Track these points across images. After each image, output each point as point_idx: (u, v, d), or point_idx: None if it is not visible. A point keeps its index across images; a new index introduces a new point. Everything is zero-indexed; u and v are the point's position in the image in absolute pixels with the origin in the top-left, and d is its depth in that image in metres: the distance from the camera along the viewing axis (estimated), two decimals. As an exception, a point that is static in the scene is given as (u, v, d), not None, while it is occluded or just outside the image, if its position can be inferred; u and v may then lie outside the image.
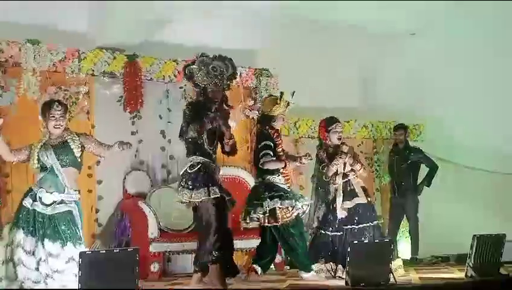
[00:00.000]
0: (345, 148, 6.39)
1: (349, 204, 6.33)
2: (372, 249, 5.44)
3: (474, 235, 5.75)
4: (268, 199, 6.02)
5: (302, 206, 6.17)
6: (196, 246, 5.62)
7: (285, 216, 6.03)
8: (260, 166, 6.12)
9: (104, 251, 4.70)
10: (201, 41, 7.72)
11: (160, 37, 7.71)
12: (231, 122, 6.06)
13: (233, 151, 5.72)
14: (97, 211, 7.14)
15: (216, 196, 5.39)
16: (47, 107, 5.21)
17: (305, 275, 6.15)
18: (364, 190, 6.49)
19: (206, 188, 5.37)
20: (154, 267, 6.72)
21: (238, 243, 6.28)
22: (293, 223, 6.10)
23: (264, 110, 6.41)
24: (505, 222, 7.97)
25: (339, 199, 6.34)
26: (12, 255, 4.86)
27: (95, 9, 7.31)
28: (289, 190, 6.27)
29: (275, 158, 6.12)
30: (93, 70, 7.16)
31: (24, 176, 6.52)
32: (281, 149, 6.26)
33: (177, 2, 7.19)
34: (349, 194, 6.38)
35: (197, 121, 5.36)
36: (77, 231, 5.07)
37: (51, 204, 5.01)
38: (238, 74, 7.96)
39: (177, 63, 7.67)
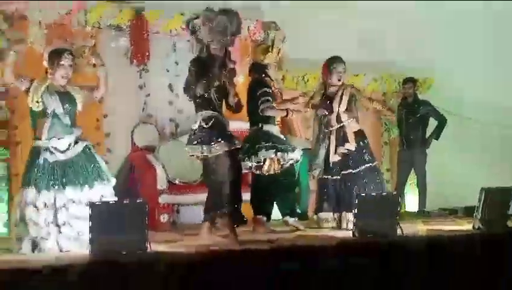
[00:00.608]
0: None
1: (341, 149, 6.34)
2: (380, 202, 5.45)
3: (482, 188, 5.74)
4: (264, 149, 5.98)
5: (293, 158, 6.14)
6: (207, 197, 5.64)
7: (275, 167, 6.02)
8: (260, 113, 6.04)
9: (114, 202, 4.74)
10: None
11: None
12: (238, 77, 6.03)
13: (238, 107, 5.67)
14: (106, 163, 7.15)
15: (237, 146, 5.41)
16: (56, 55, 5.09)
17: (290, 219, 6.22)
18: (359, 134, 6.46)
19: (224, 141, 5.34)
20: (164, 218, 6.80)
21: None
22: (282, 171, 6.10)
23: (255, 59, 6.33)
24: (513, 175, 7.97)
25: (332, 144, 6.37)
26: (23, 215, 4.84)
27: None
28: (284, 140, 6.22)
29: (274, 105, 6.09)
30: (99, 24, 7.11)
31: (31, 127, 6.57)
32: (280, 97, 6.29)
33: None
34: (343, 139, 6.38)
35: (203, 78, 5.31)
36: (102, 165, 5.14)
37: (67, 149, 4.99)
38: (246, 27, 7.96)
39: (184, 16, 7.58)
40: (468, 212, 6.90)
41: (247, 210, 6.03)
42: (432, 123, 8.53)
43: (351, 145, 6.36)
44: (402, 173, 8.56)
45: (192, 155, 5.47)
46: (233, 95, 5.52)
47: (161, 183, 6.82)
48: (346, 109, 6.39)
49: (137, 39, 7.36)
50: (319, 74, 8.50)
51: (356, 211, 5.20)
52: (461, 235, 5.65)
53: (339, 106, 6.37)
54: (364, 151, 6.44)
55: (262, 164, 5.99)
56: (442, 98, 8.95)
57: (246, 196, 6.30)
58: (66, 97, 5.08)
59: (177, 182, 7.01)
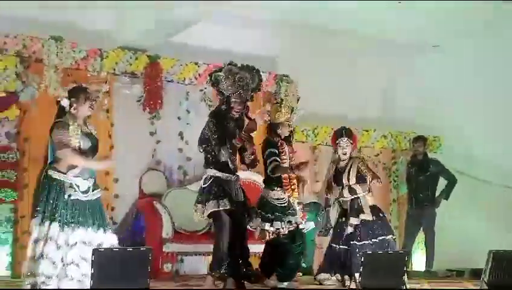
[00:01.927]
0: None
1: (355, 220, 6.31)
2: (386, 260, 5.38)
3: (490, 250, 5.67)
4: (260, 219, 5.92)
5: (294, 223, 6.04)
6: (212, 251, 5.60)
7: (270, 236, 5.97)
8: (269, 173, 6.03)
9: (117, 249, 4.70)
10: (222, 45, 7.76)
11: (182, 39, 7.74)
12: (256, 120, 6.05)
13: (253, 164, 5.71)
14: (112, 209, 7.16)
15: (225, 208, 5.37)
16: (80, 90, 5.11)
17: (273, 282, 6.04)
18: (374, 207, 6.43)
19: (216, 201, 5.36)
20: (167, 267, 6.74)
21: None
22: (285, 236, 6.02)
23: (270, 119, 6.34)
24: (522, 239, 7.87)
25: (348, 215, 6.36)
26: (42, 250, 4.76)
27: (118, 8, 7.36)
28: (285, 205, 6.07)
29: (280, 165, 6.01)
30: (114, 70, 7.22)
31: (41, 170, 6.58)
32: (285, 157, 6.12)
33: (199, 4, 7.21)
34: (356, 210, 6.35)
35: (226, 143, 5.37)
36: (106, 216, 5.13)
37: (87, 191, 4.98)
38: (258, 78, 8.04)
39: (198, 66, 7.70)
40: (475, 274, 6.81)
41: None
42: (442, 183, 8.49)
43: (367, 216, 6.32)
44: (410, 231, 8.48)
45: (195, 214, 5.53)
46: (250, 152, 5.56)
47: (166, 232, 6.79)
48: (359, 182, 6.39)
49: (151, 87, 7.43)
50: (328, 128, 8.62)
51: (362, 269, 5.13)
52: (468, 298, 5.56)
53: (348, 180, 6.38)
54: (377, 225, 6.36)
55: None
56: (451, 157, 8.94)
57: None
58: (92, 139, 5.10)
59: (182, 230, 6.97)
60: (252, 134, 5.63)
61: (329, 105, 8.35)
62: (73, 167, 4.92)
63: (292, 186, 6.15)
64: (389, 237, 6.38)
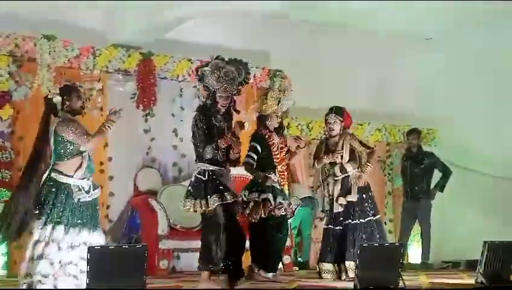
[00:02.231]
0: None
1: (343, 200, 6.35)
2: (382, 253, 5.39)
3: (485, 241, 5.69)
4: (248, 192, 6.01)
5: (284, 205, 6.05)
6: (199, 250, 5.57)
7: (261, 213, 5.92)
8: (244, 167, 6.12)
9: (113, 247, 4.71)
10: (216, 40, 7.75)
11: (174, 35, 7.73)
12: (246, 125, 6.05)
13: (236, 162, 5.71)
14: (108, 207, 7.17)
15: (228, 201, 5.38)
16: (70, 88, 5.12)
17: (264, 273, 6.04)
18: (363, 186, 6.45)
19: (217, 195, 5.35)
20: (163, 264, 6.74)
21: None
22: (274, 226, 6.02)
23: (259, 111, 6.35)
24: (517, 229, 7.90)
25: (336, 194, 6.37)
26: (42, 251, 4.74)
27: (110, 6, 7.35)
28: (278, 188, 6.13)
29: (253, 164, 6.04)
30: (107, 67, 7.21)
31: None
32: (276, 148, 6.15)
33: (192, 1, 7.20)
34: (346, 190, 6.38)
35: (212, 142, 5.36)
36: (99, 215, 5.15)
37: (88, 190, 4.98)
38: (252, 74, 8.03)
39: (191, 62, 7.69)
40: (471, 266, 6.84)
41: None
42: (437, 175, 8.51)
43: (353, 197, 6.37)
44: (406, 224, 8.50)
45: (188, 209, 5.46)
46: (236, 152, 5.54)
47: (162, 228, 6.79)
48: (350, 159, 6.40)
49: (145, 84, 7.43)
50: (323, 123, 8.62)
51: (358, 261, 5.14)
52: (463, 290, 5.58)
53: (341, 158, 6.38)
54: (367, 203, 6.43)
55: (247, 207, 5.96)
56: (446, 149, 8.96)
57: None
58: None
59: (178, 227, 6.98)
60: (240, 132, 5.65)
61: (323, 99, 8.33)
62: (78, 168, 4.91)
63: (282, 176, 6.26)
64: (378, 216, 6.49)
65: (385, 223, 9.20)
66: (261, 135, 6.17)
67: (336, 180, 6.44)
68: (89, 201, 4.97)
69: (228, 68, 5.55)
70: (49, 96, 5.07)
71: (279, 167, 6.21)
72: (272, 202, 5.96)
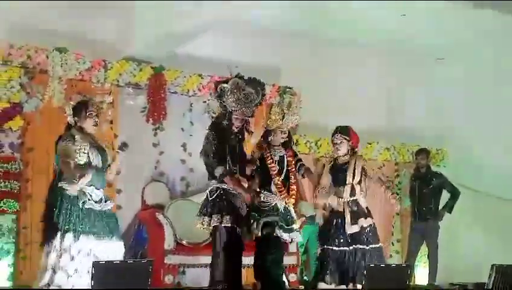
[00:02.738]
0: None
1: (363, 221, 6.20)
2: (389, 274, 5.37)
3: (493, 264, 5.65)
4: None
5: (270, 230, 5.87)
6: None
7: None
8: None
9: (118, 261, 4.70)
10: (226, 56, 7.76)
11: (185, 50, 7.77)
12: (252, 140, 6.04)
13: (247, 179, 5.69)
14: (115, 220, 7.15)
15: (227, 225, 5.34)
16: (83, 106, 5.28)
17: None
18: (368, 211, 6.38)
19: (219, 215, 5.34)
20: (169, 279, 6.71)
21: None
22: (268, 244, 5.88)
23: (265, 126, 6.26)
24: (526, 253, 7.83)
25: (347, 215, 6.21)
26: (57, 262, 4.80)
27: (122, 20, 7.40)
28: (267, 208, 5.93)
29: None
30: (118, 81, 7.24)
31: (45, 181, 6.59)
32: (270, 162, 6.00)
33: (203, 16, 7.25)
34: (362, 212, 6.27)
35: (223, 162, 5.36)
36: (118, 227, 5.23)
37: (99, 201, 5.07)
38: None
39: (201, 77, 7.72)
40: (479, 288, 6.75)
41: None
42: (445, 196, 8.46)
43: (371, 220, 6.27)
44: (413, 244, 8.44)
45: (196, 224, 5.49)
46: (249, 173, 5.58)
47: (168, 243, 6.78)
48: (359, 182, 6.33)
49: (155, 98, 7.46)
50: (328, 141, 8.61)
51: (365, 282, 5.12)
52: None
53: (352, 178, 6.29)
54: (374, 230, 6.35)
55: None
56: (455, 170, 8.92)
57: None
58: (103, 153, 5.26)
59: (184, 242, 6.96)
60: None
61: (332, 117, 8.34)
62: (83, 175, 4.99)
63: (291, 192, 6.06)
64: (380, 245, 6.34)
65: (392, 244, 9.20)
66: (261, 148, 6.08)
67: (345, 202, 6.29)
68: (99, 210, 5.04)
69: (248, 90, 5.50)
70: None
71: (275, 180, 6.03)
72: (257, 230, 5.81)
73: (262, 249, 5.89)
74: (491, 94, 8.97)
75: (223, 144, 5.40)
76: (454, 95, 9.27)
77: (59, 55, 6.76)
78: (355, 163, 6.30)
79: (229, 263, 5.33)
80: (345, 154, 6.35)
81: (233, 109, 5.48)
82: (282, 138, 6.14)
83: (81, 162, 5.02)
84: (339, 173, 6.31)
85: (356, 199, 6.27)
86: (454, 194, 8.38)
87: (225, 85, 5.48)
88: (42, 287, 4.79)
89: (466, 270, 8.22)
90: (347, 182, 6.26)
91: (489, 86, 8.96)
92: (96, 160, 5.15)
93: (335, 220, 6.27)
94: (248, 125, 5.63)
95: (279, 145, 6.14)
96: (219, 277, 5.32)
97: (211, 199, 5.42)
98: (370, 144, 8.99)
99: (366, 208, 6.34)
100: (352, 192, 6.26)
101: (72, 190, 5.00)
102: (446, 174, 8.56)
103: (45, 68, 6.73)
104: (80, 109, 5.24)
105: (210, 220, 5.35)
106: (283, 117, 6.11)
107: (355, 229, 6.17)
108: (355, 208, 6.24)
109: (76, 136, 5.09)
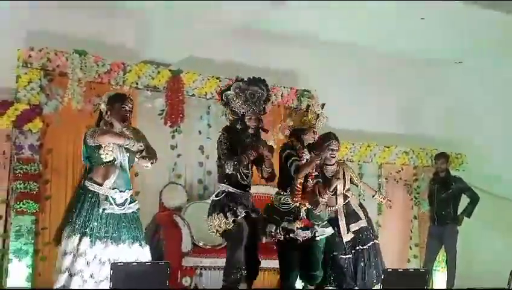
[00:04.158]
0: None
1: (354, 227, 6.26)
2: (407, 278, 5.33)
3: (512, 270, 5.60)
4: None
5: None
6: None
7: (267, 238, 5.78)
8: (293, 175, 5.69)
9: (135, 263, 4.71)
10: (243, 59, 7.79)
11: (204, 54, 7.79)
12: (270, 142, 6.02)
13: (271, 178, 5.66)
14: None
15: (241, 216, 5.33)
16: (118, 98, 5.05)
17: None
18: (362, 207, 6.44)
19: (222, 213, 5.35)
20: (186, 281, 6.74)
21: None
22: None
23: (294, 125, 6.12)
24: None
25: (342, 222, 6.26)
26: (73, 266, 4.69)
27: (141, 24, 7.44)
28: (288, 211, 5.78)
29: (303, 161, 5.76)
30: (137, 84, 7.27)
31: (63, 182, 6.66)
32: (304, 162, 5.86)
33: (221, 20, 7.27)
34: (353, 215, 6.31)
35: (234, 158, 5.29)
36: (143, 230, 5.06)
37: (123, 203, 4.93)
38: (280, 93, 8.06)
39: (219, 80, 7.73)
40: (498, 294, 6.69)
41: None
42: (464, 200, 8.40)
43: (363, 222, 6.32)
44: (431, 249, 8.38)
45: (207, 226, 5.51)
46: (268, 166, 5.52)
47: (186, 245, 6.80)
48: (348, 189, 6.39)
49: (173, 101, 7.47)
50: (349, 144, 8.57)
51: (383, 287, 5.09)
52: (489, 318, 5.47)
53: (343, 187, 6.32)
54: (370, 226, 6.38)
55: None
56: (474, 175, 8.85)
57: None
58: (129, 150, 5.01)
59: (201, 244, 6.98)
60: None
61: (349, 121, 8.32)
62: (107, 177, 4.85)
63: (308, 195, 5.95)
64: (377, 240, 6.40)
65: (410, 248, 9.15)
66: (292, 146, 5.88)
67: (337, 209, 6.33)
68: (121, 214, 4.87)
69: (252, 89, 5.51)
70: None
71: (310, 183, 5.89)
72: (279, 233, 5.72)
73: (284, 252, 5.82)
74: (507, 100, 8.92)
75: (234, 145, 5.39)
76: (471, 101, 9.21)
77: (78, 57, 6.80)
78: (343, 172, 6.36)
79: (240, 251, 5.30)
80: (333, 163, 6.35)
81: (243, 111, 5.49)
82: (313, 138, 5.99)
83: (107, 160, 4.86)
84: (328, 181, 6.24)
85: (348, 203, 6.37)
86: (474, 199, 8.30)
87: (228, 92, 5.52)
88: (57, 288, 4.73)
89: (485, 276, 8.13)
90: (338, 193, 6.31)
91: (505, 91, 8.90)
92: (120, 157, 4.95)
93: (335, 228, 6.20)
94: (262, 124, 5.59)
95: (305, 147, 6.04)
96: (232, 268, 5.30)
97: (216, 199, 5.45)
98: (388, 147, 8.94)
99: (360, 204, 6.45)
100: (345, 197, 6.36)
101: (95, 191, 4.83)
102: (465, 178, 8.49)
103: (65, 70, 6.77)
104: (116, 99, 5.04)
105: (218, 217, 5.35)
106: (317, 117, 6.04)
107: (350, 236, 6.25)
108: (349, 212, 6.33)
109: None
